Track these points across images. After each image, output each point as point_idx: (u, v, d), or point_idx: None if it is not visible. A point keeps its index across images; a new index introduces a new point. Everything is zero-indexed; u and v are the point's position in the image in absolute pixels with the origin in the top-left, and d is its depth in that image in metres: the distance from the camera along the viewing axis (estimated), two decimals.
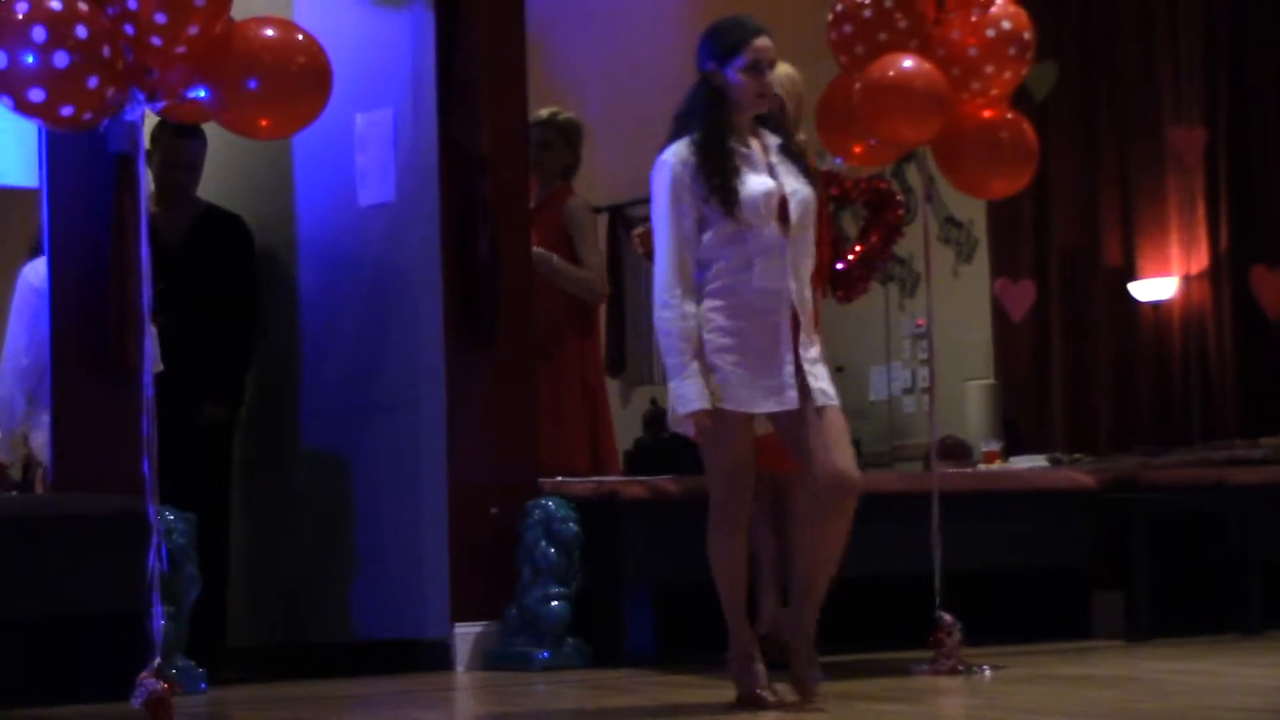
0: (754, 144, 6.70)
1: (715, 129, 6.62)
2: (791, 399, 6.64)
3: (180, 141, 9.19)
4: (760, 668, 6.94)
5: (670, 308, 6.65)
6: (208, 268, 9.47)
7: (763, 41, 6.71)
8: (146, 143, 7.60)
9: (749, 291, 6.66)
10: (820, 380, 6.87)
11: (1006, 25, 8.51)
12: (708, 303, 6.73)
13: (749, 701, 6.75)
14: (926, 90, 8.41)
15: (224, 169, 9.62)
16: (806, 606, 6.99)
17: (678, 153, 6.63)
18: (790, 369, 6.68)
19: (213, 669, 8.77)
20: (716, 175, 6.55)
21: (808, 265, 6.82)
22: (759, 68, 6.68)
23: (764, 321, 6.67)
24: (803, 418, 6.75)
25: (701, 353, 6.72)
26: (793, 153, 6.80)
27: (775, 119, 6.89)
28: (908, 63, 8.45)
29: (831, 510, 6.85)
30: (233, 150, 9.39)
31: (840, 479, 6.82)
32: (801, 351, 6.79)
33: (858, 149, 8.85)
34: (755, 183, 6.59)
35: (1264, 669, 8.45)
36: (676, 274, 6.69)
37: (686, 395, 6.61)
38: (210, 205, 9.49)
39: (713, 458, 6.82)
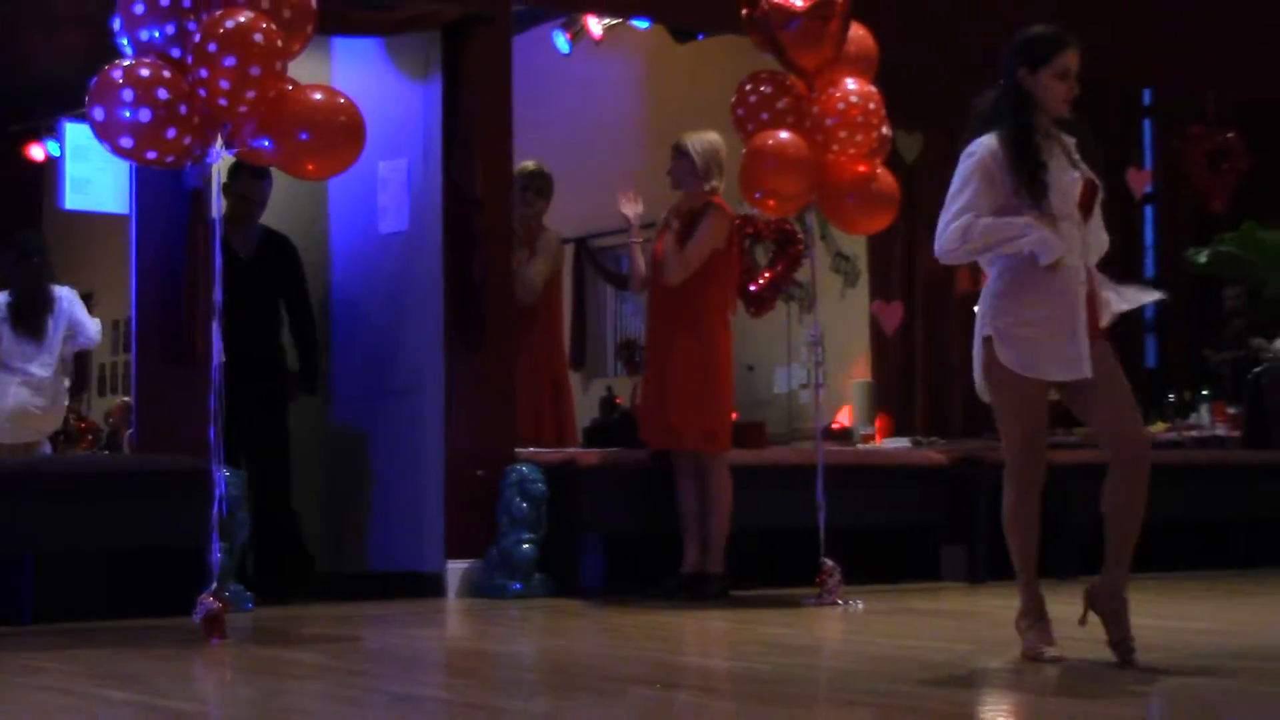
0: (1054, 142, 5.93)
1: (1024, 128, 5.81)
2: (1085, 369, 5.82)
3: (255, 181, 9.06)
4: (1048, 625, 6.17)
5: (960, 229, 5.80)
6: (272, 276, 9.34)
7: (1072, 52, 5.96)
8: (225, 177, 7.63)
9: (1051, 277, 5.79)
10: (1108, 352, 6.02)
11: (855, 99, 8.40)
12: (1010, 281, 5.90)
13: (1035, 656, 5.99)
14: (795, 157, 8.34)
15: (276, 201, 9.47)
16: (1118, 573, 6.16)
17: (988, 145, 5.83)
18: (1085, 341, 5.83)
19: (288, 590, 8.90)
20: (1026, 170, 5.76)
21: (1099, 248, 6.02)
22: (1066, 75, 5.90)
23: (1063, 299, 5.80)
24: (1093, 386, 5.91)
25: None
26: (1086, 152, 6.04)
27: (1070, 121, 6.04)
28: (782, 135, 8.40)
29: (1128, 475, 6.11)
30: (283, 186, 9.24)
31: (1133, 444, 6.12)
32: (1095, 315, 5.93)
33: (751, 202, 8.76)
34: (1061, 176, 5.82)
35: (1073, 606, 8.36)
36: (960, 236, 5.81)
37: (1050, 241, 5.69)
38: (267, 227, 9.35)
39: (1011, 424, 6.05)
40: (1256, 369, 12.52)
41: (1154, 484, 10.86)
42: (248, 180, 9.05)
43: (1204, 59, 11.99)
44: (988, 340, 5.93)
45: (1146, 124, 14.62)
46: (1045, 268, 5.75)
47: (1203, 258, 13.82)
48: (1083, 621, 6.18)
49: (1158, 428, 12.52)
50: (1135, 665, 5.86)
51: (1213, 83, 12.32)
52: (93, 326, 10.28)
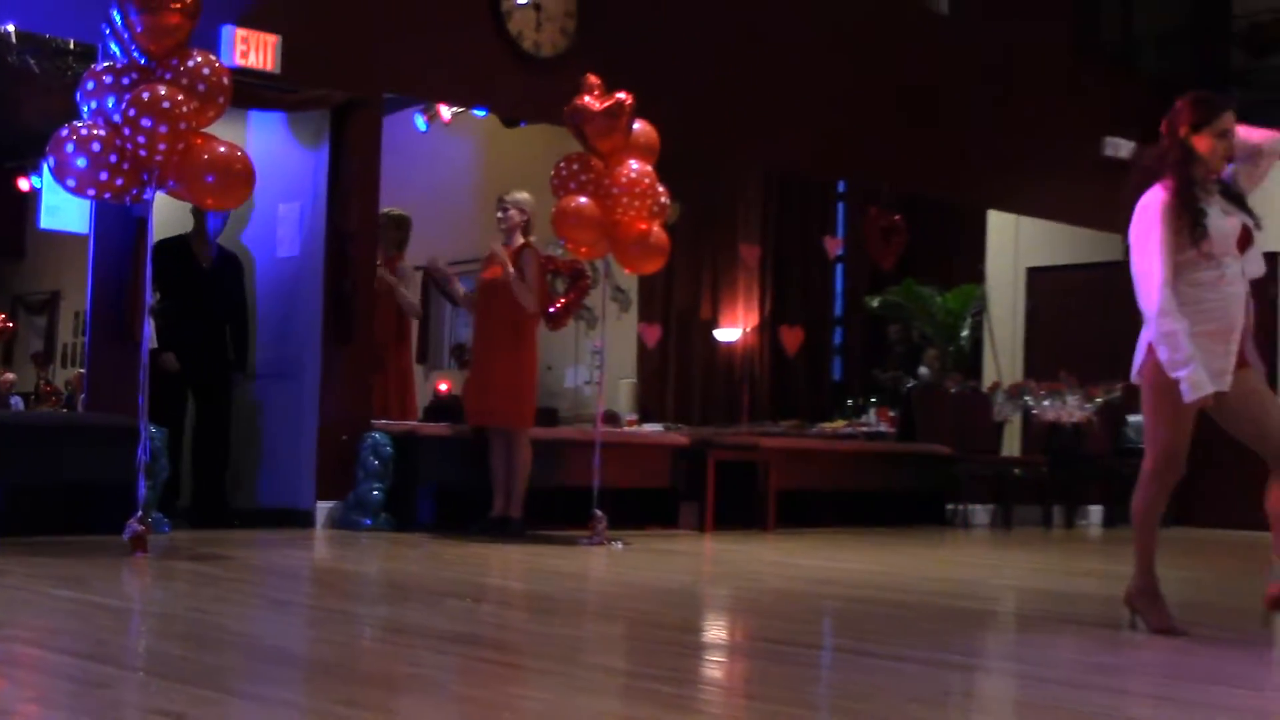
0: (1212, 192, 5.19)
1: (1186, 181, 5.07)
2: (1227, 381, 5.05)
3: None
4: (1163, 602, 5.28)
5: (1171, 316, 4.96)
6: (226, 282, 9.13)
7: (1230, 115, 5.20)
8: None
9: (1213, 302, 5.07)
10: (1258, 365, 5.27)
11: (637, 175, 8.29)
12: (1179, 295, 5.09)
13: (1166, 630, 5.15)
14: (589, 216, 8.33)
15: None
16: None
17: (1158, 196, 5.09)
18: (1232, 359, 5.08)
19: (217, 522, 8.76)
20: (1188, 217, 5.03)
21: (1255, 272, 5.24)
22: (1225, 135, 5.15)
23: (1221, 325, 5.06)
24: (1240, 395, 5.13)
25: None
26: (1236, 196, 5.26)
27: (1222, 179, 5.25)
28: (581, 199, 8.33)
29: None
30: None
31: None
32: (1244, 345, 5.18)
33: (570, 248, 8.74)
34: (1220, 222, 5.09)
35: (773, 550, 8.47)
36: (1171, 291, 4.98)
37: (1200, 382, 4.94)
38: (221, 245, 9.22)
39: (1166, 434, 5.17)
40: (909, 385, 12.78)
41: (833, 463, 11.18)
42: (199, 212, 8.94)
43: (881, 162, 12.19)
44: (1150, 347, 5.13)
45: (840, 205, 14.87)
46: (1210, 286, 5.07)
47: (875, 303, 14.11)
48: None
49: (838, 424, 12.72)
50: None
51: (885, 179, 12.52)
52: None
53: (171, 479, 8.49)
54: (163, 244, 8.69)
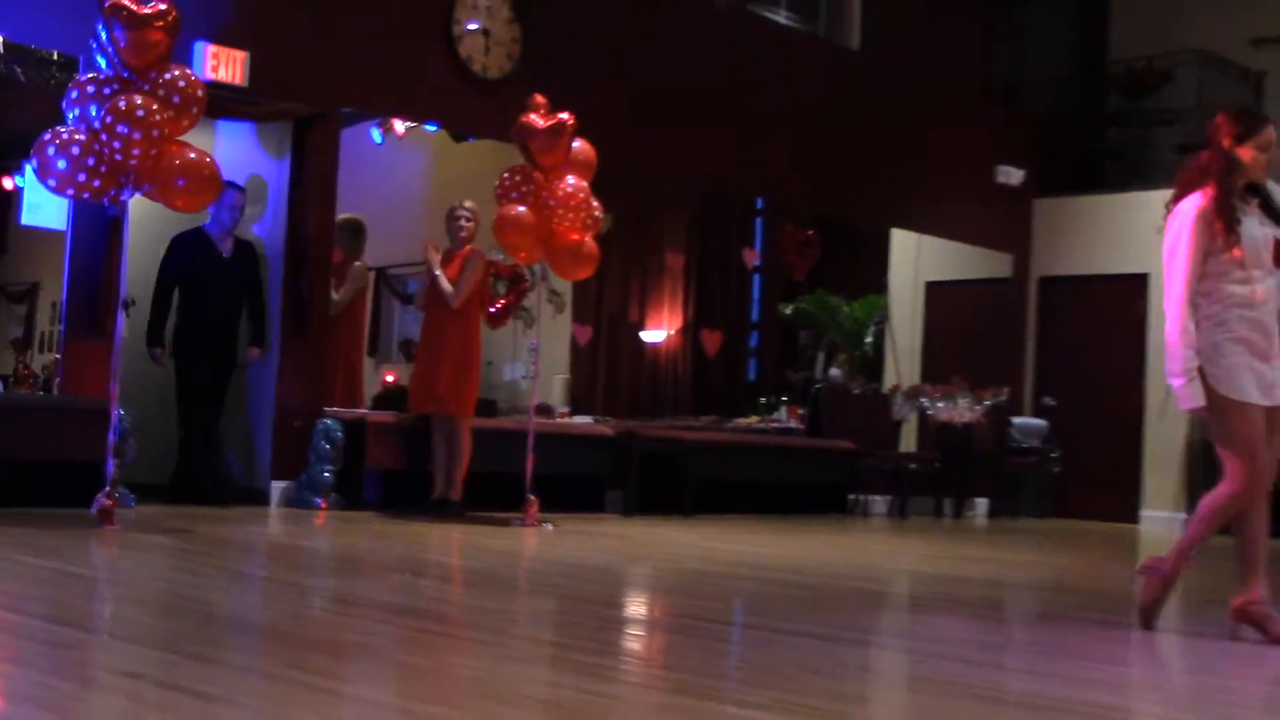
0: (1248, 203, 4.88)
1: (1225, 190, 4.78)
2: (1278, 395, 4.75)
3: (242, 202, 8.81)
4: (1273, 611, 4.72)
5: (1180, 324, 4.68)
6: (245, 269, 8.77)
7: (1272, 129, 4.90)
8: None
9: (1251, 310, 4.72)
10: None
11: (573, 190, 8.25)
12: (1218, 313, 4.73)
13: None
14: (527, 224, 8.28)
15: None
16: None
17: (1193, 203, 4.80)
18: (1278, 373, 4.77)
19: (211, 500, 8.45)
20: (1224, 222, 4.73)
21: None
22: (1267, 148, 4.85)
23: (1262, 335, 4.74)
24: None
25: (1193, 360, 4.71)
26: (1273, 209, 4.94)
27: (1259, 185, 4.95)
28: (520, 209, 8.29)
29: None
30: (188, 221, 8.99)
31: None
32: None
33: (509, 253, 8.70)
34: (1255, 231, 4.80)
35: (691, 534, 8.50)
36: (1188, 299, 4.69)
37: (1192, 396, 4.64)
38: (240, 236, 8.86)
39: (1236, 439, 4.70)
40: (816, 386, 12.84)
41: (747, 455, 11.22)
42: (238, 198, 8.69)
43: (796, 182, 12.26)
44: (1200, 371, 4.71)
45: (759, 221, 14.91)
46: (1243, 300, 4.73)
47: (788, 310, 14.14)
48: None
49: (752, 420, 12.76)
50: None
51: (800, 199, 12.60)
52: None
53: (212, 458, 8.53)
54: (182, 236, 8.61)
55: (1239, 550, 4.81)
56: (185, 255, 8.52)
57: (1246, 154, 4.84)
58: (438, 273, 8.69)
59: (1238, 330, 4.72)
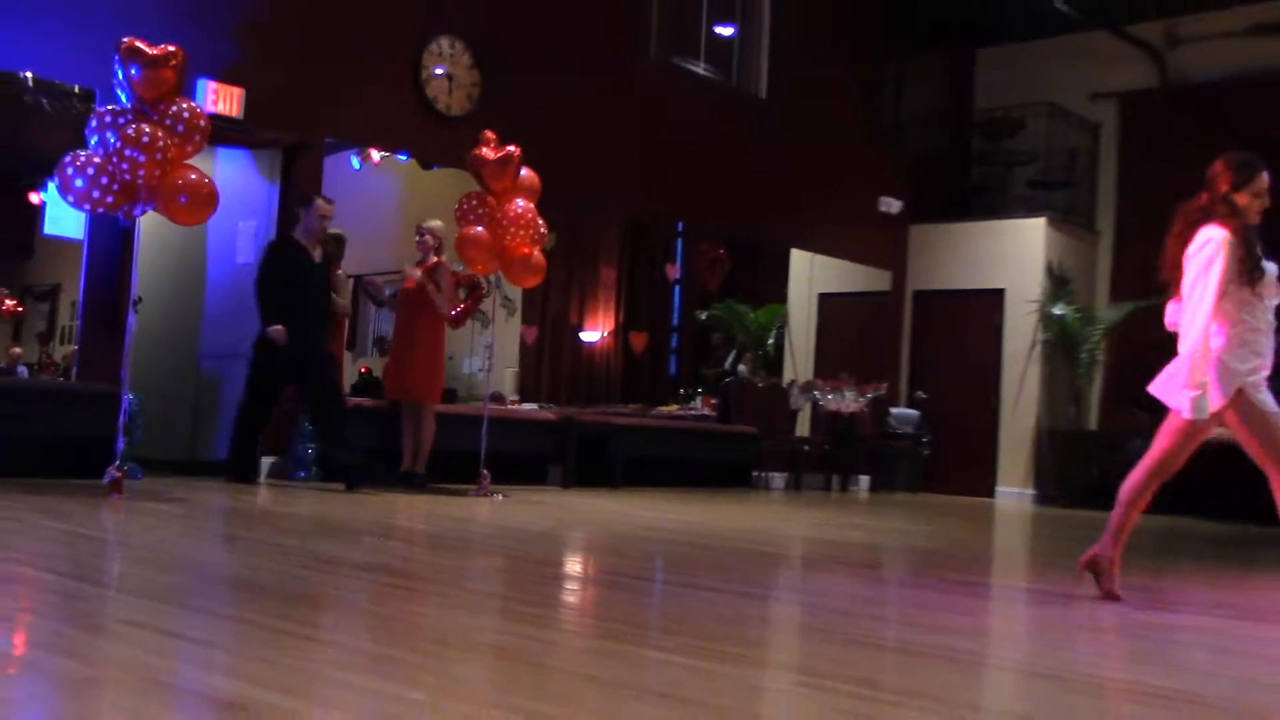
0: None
1: (1243, 228, 4.50)
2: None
3: (328, 207, 8.30)
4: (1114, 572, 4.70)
5: (1201, 343, 4.41)
6: (327, 273, 8.39)
7: (1265, 176, 4.62)
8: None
9: (1263, 335, 4.49)
10: None
11: (522, 211, 8.24)
12: (1233, 335, 4.51)
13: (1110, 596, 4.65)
14: (485, 242, 8.27)
15: (174, 242, 9.09)
16: None
17: (1223, 232, 4.49)
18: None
19: (244, 476, 8.18)
20: (1251, 259, 4.47)
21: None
22: (1261, 194, 4.59)
23: (1267, 361, 4.51)
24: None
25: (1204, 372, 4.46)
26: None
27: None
28: (478, 229, 8.28)
29: None
30: (182, 232, 8.84)
31: None
32: None
33: (470, 266, 8.61)
34: (1270, 266, 4.53)
35: (619, 504, 8.49)
36: (1209, 320, 4.41)
37: (1205, 406, 4.41)
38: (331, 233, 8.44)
39: (1182, 442, 4.53)
40: (726, 380, 12.88)
41: (668, 437, 11.18)
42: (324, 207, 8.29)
43: (711, 208, 12.29)
44: (1240, 391, 4.47)
45: (679, 240, 14.95)
46: (1260, 327, 4.53)
47: (704, 316, 14.21)
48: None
49: (672, 408, 12.77)
50: None
51: (714, 222, 12.62)
52: None
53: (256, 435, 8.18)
54: (284, 241, 8.27)
55: (1115, 518, 4.70)
56: (286, 256, 8.10)
57: (1243, 199, 4.60)
58: (430, 288, 8.63)
59: (1251, 363, 4.51)
